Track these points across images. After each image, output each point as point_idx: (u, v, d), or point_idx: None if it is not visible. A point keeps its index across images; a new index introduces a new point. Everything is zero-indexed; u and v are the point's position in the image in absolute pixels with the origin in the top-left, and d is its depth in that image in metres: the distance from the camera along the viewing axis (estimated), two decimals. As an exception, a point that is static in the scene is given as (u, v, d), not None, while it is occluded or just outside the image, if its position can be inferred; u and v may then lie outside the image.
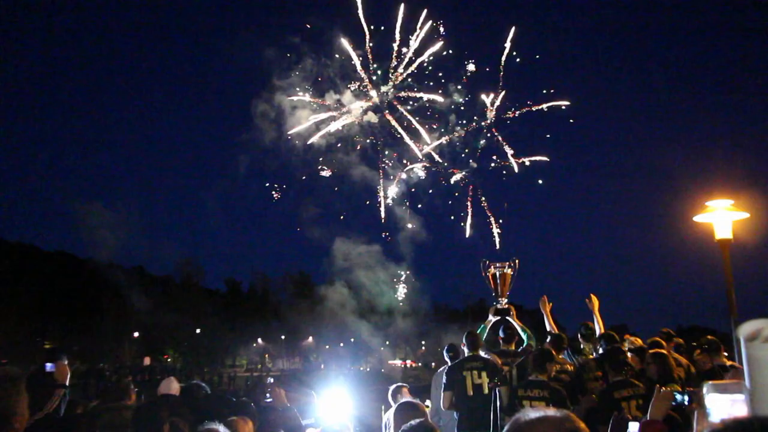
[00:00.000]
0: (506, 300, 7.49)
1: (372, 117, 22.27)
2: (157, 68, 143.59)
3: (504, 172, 22.22)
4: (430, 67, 21.98)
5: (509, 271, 7.56)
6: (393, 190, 23.98)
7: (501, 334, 6.09)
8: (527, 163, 21.69)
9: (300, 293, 56.58)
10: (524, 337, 6.57)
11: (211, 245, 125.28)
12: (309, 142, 22.38)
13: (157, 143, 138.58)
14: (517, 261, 7.42)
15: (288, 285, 63.46)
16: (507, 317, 7.05)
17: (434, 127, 22.82)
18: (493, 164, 23.28)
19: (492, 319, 7.08)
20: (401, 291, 27.97)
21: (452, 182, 22.46)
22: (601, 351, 5.45)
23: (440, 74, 22.05)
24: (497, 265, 7.56)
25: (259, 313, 57.25)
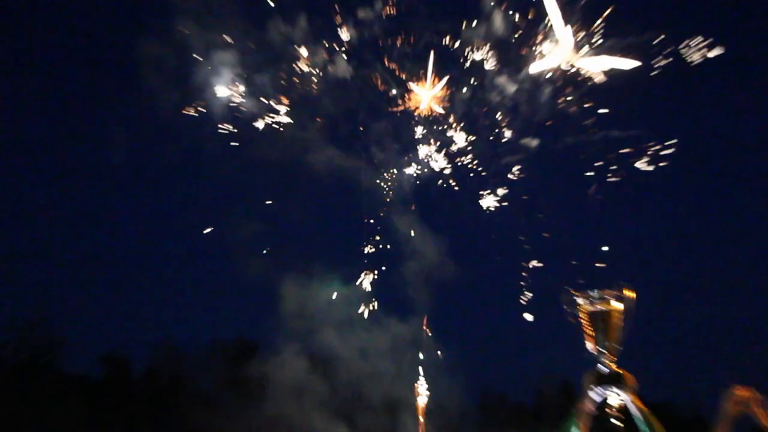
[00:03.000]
0: (615, 358, 4.97)
1: (343, 66, 18.22)
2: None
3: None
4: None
5: (616, 306, 5.86)
6: (390, 188, 23.78)
7: None
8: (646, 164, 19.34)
9: (239, 378, 53.32)
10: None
11: (76, 299, 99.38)
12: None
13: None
14: (629, 293, 5.73)
15: (218, 363, 59.29)
16: (617, 389, 5.19)
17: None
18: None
19: (593, 396, 5.07)
20: (417, 371, 26.76)
21: (491, 198, 22.17)
22: None
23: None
24: (593, 295, 6.20)
25: (164, 416, 51.86)
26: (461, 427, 54.96)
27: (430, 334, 29.44)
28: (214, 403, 52.72)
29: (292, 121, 24.47)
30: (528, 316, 26.13)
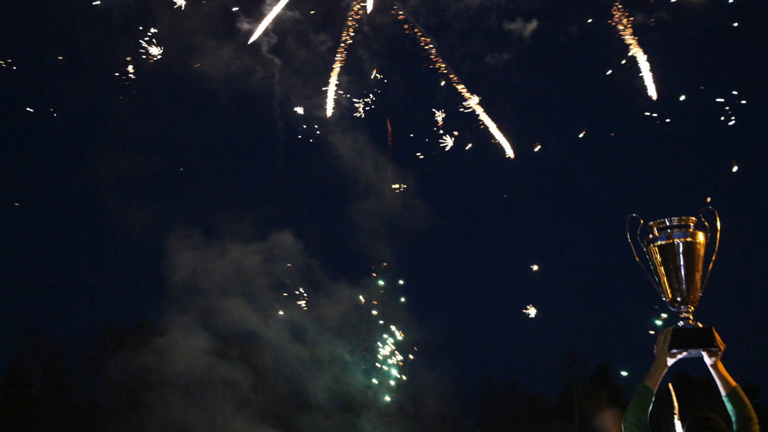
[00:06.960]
0: (694, 309, 4.53)
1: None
2: None
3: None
4: None
5: (699, 237, 4.57)
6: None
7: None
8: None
9: (138, 374, 39.63)
10: (732, 414, 4.28)
11: None
12: None
13: None
14: (715, 212, 4.55)
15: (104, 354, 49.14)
16: (705, 348, 4.29)
17: None
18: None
19: (670, 362, 4.41)
20: (388, 356, 24.13)
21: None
22: None
23: None
24: (665, 223, 4.64)
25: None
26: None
27: (403, 301, 24.01)
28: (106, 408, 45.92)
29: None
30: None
